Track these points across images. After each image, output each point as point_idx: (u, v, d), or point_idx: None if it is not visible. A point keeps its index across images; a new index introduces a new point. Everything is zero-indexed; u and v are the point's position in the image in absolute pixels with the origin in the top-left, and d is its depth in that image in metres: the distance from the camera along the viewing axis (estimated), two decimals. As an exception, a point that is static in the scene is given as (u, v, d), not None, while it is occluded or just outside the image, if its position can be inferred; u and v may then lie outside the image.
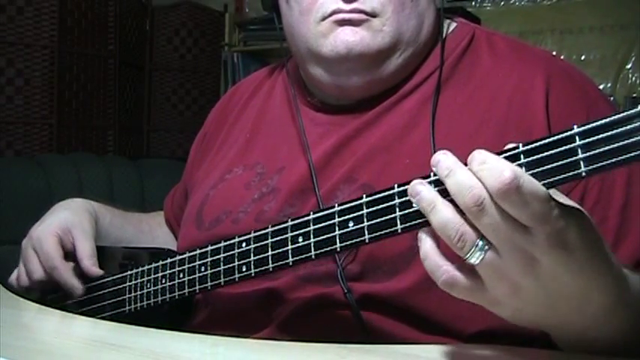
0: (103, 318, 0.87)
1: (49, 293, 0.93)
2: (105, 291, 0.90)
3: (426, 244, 0.52)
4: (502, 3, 2.66)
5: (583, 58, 2.54)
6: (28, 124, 2.69)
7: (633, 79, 2.51)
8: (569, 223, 0.49)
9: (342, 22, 0.77)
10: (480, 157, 0.49)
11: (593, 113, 0.76)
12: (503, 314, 0.54)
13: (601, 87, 2.49)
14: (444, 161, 0.51)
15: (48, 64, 2.70)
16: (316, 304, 0.74)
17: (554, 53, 0.88)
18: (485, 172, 0.48)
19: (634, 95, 2.47)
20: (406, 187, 0.54)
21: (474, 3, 2.65)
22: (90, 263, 0.89)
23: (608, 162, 0.45)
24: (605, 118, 0.46)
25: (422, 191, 0.51)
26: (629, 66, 2.50)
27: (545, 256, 0.49)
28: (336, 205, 0.61)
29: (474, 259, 0.50)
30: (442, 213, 0.50)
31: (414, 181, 0.52)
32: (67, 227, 0.91)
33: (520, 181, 0.46)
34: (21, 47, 2.65)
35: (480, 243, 0.50)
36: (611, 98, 2.43)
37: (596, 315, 0.54)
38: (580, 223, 0.50)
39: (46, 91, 2.71)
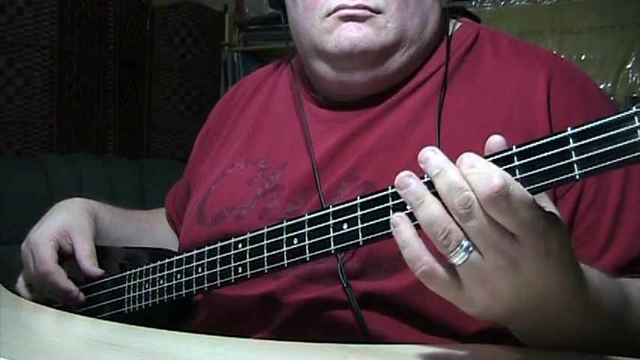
0: (103, 318, 0.87)
1: (48, 301, 0.93)
2: (104, 291, 0.90)
3: (406, 232, 0.51)
4: (502, 3, 2.66)
5: (583, 58, 2.54)
6: (28, 124, 2.69)
7: (633, 79, 2.50)
8: (553, 232, 0.49)
9: (347, 18, 0.77)
10: (469, 160, 0.48)
11: (594, 114, 0.75)
12: (471, 312, 0.54)
13: (601, 87, 2.47)
14: (432, 159, 0.50)
15: (48, 64, 2.70)
16: (317, 305, 0.73)
17: (554, 53, 0.88)
18: (475, 176, 0.47)
19: (634, 95, 2.46)
20: None
21: (474, 3, 2.65)
22: (89, 263, 0.89)
23: (602, 165, 0.45)
24: (598, 120, 0.45)
25: (411, 184, 0.50)
26: (629, 66, 2.50)
27: (528, 264, 0.49)
28: (331, 206, 0.61)
29: (457, 259, 0.49)
30: (430, 208, 0.50)
31: (403, 173, 0.51)
32: (64, 229, 0.91)
33: (509, 189, 0.46)
34: (21, 47, 2.65)
35: (465, 244, 0.49)
36: (611, 98, 2.43)
37: (555, 311, 0.55)
38: (562, 232, 0.50)
39: (46, 91, 2.70)
